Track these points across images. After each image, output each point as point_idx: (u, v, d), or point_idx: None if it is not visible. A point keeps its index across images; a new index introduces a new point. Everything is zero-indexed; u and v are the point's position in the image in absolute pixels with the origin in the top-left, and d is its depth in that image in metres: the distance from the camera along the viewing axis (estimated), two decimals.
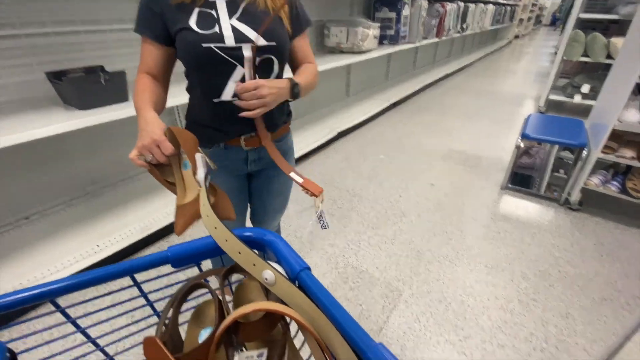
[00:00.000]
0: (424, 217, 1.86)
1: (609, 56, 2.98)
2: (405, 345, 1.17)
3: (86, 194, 1.71)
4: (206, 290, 0.40)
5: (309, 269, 0.37)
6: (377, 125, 3.29)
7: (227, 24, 0.69)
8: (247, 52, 0.70)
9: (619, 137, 1.76)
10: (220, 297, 0.38)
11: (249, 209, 1.08)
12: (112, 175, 1.79)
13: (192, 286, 0.38)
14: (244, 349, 0.41)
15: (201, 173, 0.57)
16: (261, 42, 0.70)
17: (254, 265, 0.37)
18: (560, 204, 1.95)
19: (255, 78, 0.73)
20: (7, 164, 1.42)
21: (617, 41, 2.84)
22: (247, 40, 0.70)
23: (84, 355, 0.40)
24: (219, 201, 0.58)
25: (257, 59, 0.72)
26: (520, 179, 2.20)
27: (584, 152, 1.76)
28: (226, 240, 0.38)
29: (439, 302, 1.33)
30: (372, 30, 2.71)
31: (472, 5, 4.82)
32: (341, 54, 2.75)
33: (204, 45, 0.68)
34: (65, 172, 1.60)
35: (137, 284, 0.39)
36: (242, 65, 0.71)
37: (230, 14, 0.70)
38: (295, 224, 1.79)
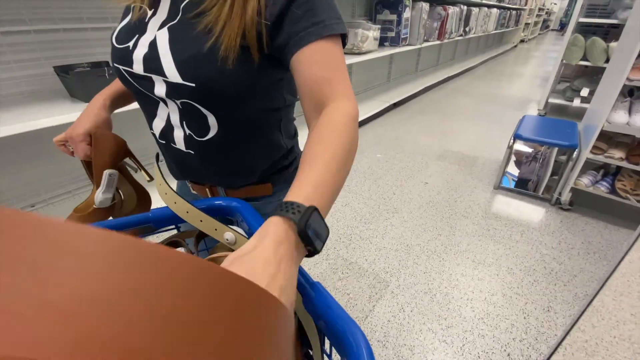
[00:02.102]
0: (415, 213, 1.90)
1: (608, 60, 3.00)
2: (389, 333, 1.22)
3: (91, 184, 1.78)
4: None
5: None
6: (377, 125, 3.33)
7: (148, 38, 0.45)
8: (159, 87, 0.46)
9: (609, 139, 1.79)
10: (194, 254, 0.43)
11: None
12: None
13: (171, 242, 0.43)
14: None
15: (99, 195, 0.53)
16: (175, 79, 0.44)
17: (216, 229, 0.42)
18: (552, 204, 1.97)
19: (182, 123, 0.51)
20: (16, 153, 1.50)
21: (615, 45, 2.85)
22: (158, 72, 0.44)
23: None
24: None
25: (177, 102, 0.47)
26: (520, 182, 2.23)
27: (575, 153, 1.79)
28: (187, 212, 0.43)
29: (424, 293, 1.37)
30: (372, 32, 2.76)
31: (475, 9, 4.85)
32: None
33: (115, 64, 0.49)
34: (72, 162, 1.68)
35: None
36: (165, 104, 0.50)
37: (167, 20, 0.46)
38: None
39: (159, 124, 0.53)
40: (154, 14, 0.47)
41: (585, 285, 1.42)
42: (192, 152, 0.53)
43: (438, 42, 3.94)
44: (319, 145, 0.38)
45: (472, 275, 1.47)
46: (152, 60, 0.44)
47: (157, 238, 0.47)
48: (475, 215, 1.89)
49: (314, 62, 0.41)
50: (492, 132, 3.22)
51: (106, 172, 0.52)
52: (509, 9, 7.47)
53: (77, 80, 1.36)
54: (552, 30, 16.97)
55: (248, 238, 0.42)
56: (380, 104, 3.53)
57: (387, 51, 3.11)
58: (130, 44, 0.46)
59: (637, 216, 1.78)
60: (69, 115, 1.23)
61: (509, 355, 1.14)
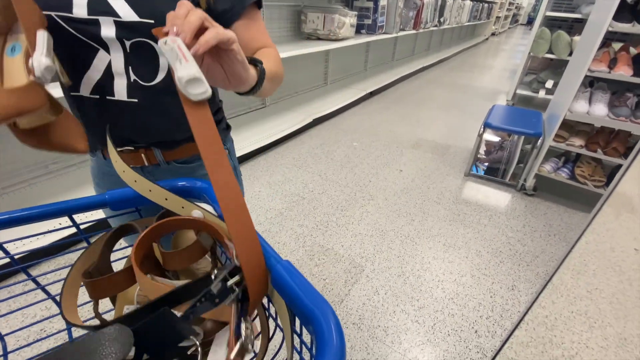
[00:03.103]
0: (390, 200, 1.93)
1: (571, 53, 3.15)
2: (364, 315, 1.24)
3: (48, 172, 1.66)
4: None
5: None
6: (353, 114, 3.34)
7: None
8: (108, 29, 0.45)
9: (571, 127, 1.89)
10: (154, 243, 0.41)
11: None
12: (76, 154, 1.75)
13: (125, 226, 0.41)
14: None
15: (42, 58, 0.38)
16: (129, 17, 0.45)
17: (182, 207, 0.40)
18: (517, 190, 2.07)
19: (127, 70, 0.49)
20: None
21: (578, 39, 3.00)
22: (109, 13, 0.45)
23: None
24: (62, 122, 0.46)
25: (127, 43, 0.47)
26: (489, 170, 2.32)
27: (539, 141, 1.88)
28: (150, 191, 0.40)
29: (397, 276, 1.41)
30: (349, 19, 2.73)
31: (449, 0, 4.92)
32: (318, 41, 2.76)
33: (46, 13, 0.44)
34: (26, 149, 1.55)
35: (75, 224, 0.42)
36: (106, 51, 0.48)
37: None
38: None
39: (93, 76, 0.49)
40: None
41: (546, 265, 1.51)
42: (136, 101, 0.52)
43: (414, 31, 3.97)
44: (270, 56, 0.53)
45: (443, 258, 1.52)
46: (98, 1, 0.44)
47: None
48: (446, 201, 1.95)
49: (255, 30, 0.57)
50: (464, 121, 3.31)
51: (42, 33, 0.39)
52: (481, 1, 7.64)
53: None
54: (520, 24, 17.59)
55: (218, 216, 0.40)
56: (357, 93, 3.53)
57: (364, 39, 3.09)
58: None
59: (595, 200, 1.90)
60: None
61: (476, 332, 1.20)
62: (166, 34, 0.32)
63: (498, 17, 11.03)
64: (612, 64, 1.68)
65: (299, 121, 2.67)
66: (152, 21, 0.45)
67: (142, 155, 0.58)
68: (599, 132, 1.85)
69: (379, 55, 4.73)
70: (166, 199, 0.40)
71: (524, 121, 2.08)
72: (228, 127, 0.70)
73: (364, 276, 1.40)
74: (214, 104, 0.64)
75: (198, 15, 0.32)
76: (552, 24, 3.42)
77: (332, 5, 2.84)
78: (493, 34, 11.27)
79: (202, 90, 0.32)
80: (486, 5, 8.47)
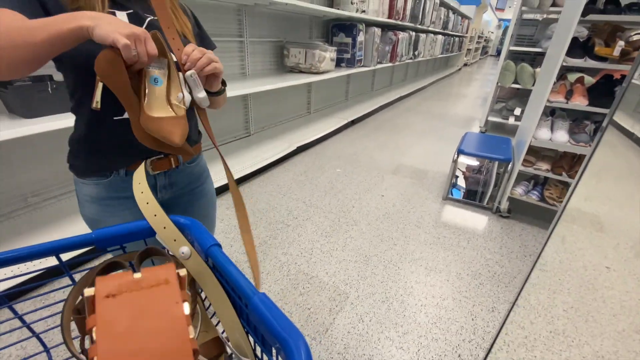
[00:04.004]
0: (373, 225, 1.98)
1: (535, 83, 3.41)
2: (349, 344, 1.24)
3: (27, 205, 1.63)
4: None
5: (219, 245, 0.44)
6: (335, 142, 3.44)
7: None
8: (201, 92, 0.66)
9: (537, 152, 2.02)
10: None
11: None
12: (56, 187, 1.73)
13: (110, 264, 0.43)
14: None
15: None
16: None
17: (175, 240, 0.43)
18: (493, 212, 2.17)
19: None
20: None
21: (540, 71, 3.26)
22: None
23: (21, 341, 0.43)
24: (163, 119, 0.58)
25: None
26: (469, 192, 2.42)
27: (510, 165, 2.00)
28: (155, 215, 0.44)
29: (382, 302, 1.42)
30: (329, 53, 2.89)
31: (422, 35, 5.28)
32: (300, 74, 2.90)
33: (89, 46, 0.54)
34: (5, 182, 1.53)
35: (62, 264, 0.44)
36: None
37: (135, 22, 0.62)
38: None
39: None
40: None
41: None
42: None
43: (390, 64, 4.21)
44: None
45: (425, 281, 1.55)
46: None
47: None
48: (426, 225, 2.01)
49: None
50: (440, 147, 3.47)
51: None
52: (452, 35, 8.21)
53: (16, 95, 1.27)
54: (490, 55, 18.88)
55: (201, 257, 0.43)
56: (339, 121, 3.66)
57: (344, 71, 3.26)
58: None
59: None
60: (6, 132, 1.14)
61: (459, 356, 1.21)
62: (188, 69, 0.61)
63: (469, 49, 11.84)
64: (569, 95, 1.85)
65: (283, 149, 2.74)
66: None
67: (171, 159, 0.74)
68: (563, 156, 1.99)
69: (359, 85, 4.96)
70: (165, 228, 0.43)
71: (494, 147, 2.21)
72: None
73: (348, 303, 1.41)
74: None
75: (203, 54, 0.61)
76: (516, 57, 3.72)
77: (313, 41, 3.01)
78: (465, 65, 12.03)
79: (207, 102, 0.67)
80: (457, 39, 9.11)
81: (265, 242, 1.78)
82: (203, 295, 0.48)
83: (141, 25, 0.62)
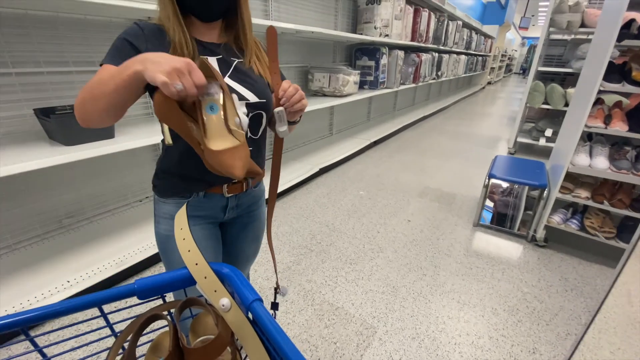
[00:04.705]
0: (400, 252, 1.91)
1: (567, 104, 3.29)
2: None
3: (61, 227, 1.69)
4: (166, 323, 0.44)
5: (260, 300, 0.42)
6: (358, 163, 3.42)
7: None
8: (242, 108, 0.73)
9: (575, 179, 1.91)
10: (176, 327, 0.42)
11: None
12: (90, 209, 1.79)
13: (151, 317, 0.41)
14: None
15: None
16: (254, 99, 0.74)
17: (215, 291, 0.42)
18: (528, 241, 2.04)
19: (247, 131, 0.75)
20: None
21: (573, 91, 3.15)
22: (242, 98, 0.73)
23: None
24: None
25: (250, 114, 0.74)
26: (497, 218, 2.31)
27: (545, 192, 1.90)
28: (196, 264, 0.43)
29: (412, 339, 1.34)
30: (352, 77, 2.92)
31: (445, 56, 5.27)
32: (324, 97, 2.93)
33: None
34: (42, 204, 1.60)
35: (104, 315, 0.43)
36: None
37: (223, 72, 0.72)
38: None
39: None
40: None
41: (566, 324, 1.44)
42: (251, 149, 0.76)
43: (413, 85, 4.20)
44: None
45: (458, 317, 1.46)
46: (235, 92, 0.71)
47: (145, 307, 0.45)
48: (457, 253, 1.92)
49: None
50: (467, 169, 3.37)
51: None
52: (475, 55, 8.16)
53: (58, 124, 1.34)
54: (514, 73, 18.56)
55: (242, 309, 0.41)
56: (361, 142, 3.65)
57: (367, 94, 3.28)
58: None
59: (607, 251, 1.87)
60: (47, 159, 1.20)
61: None
62: (283, 104, 0.68)
63: (492, 68, 11.69)
64: (607, 120, 1.75)
65: (305, 171, 2.74)
66: (265, 100, 0.76)
67: (243, 183, 0.82)
68: (603, 183, 1.87)
69: (381, 106, 4.96)
70: (205, 277, 0.42)
71: (527, 172, 2.12)
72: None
73: (376, 339, 1.34)
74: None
75: (297, 90, 0.69)
76: (545, 77, 3.62)
77: (337, 66, 3.06)
78: (489, 83, 11.86)
79: (287, 134, 0.73)
80: (480, 58, 9.03)
81: (289, 267, 1.75)
82: (243, 353, 0.46)
83: (230, 66, 0.73)
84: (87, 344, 0.46)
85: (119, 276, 1.51)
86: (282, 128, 0.70)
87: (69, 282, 1.38)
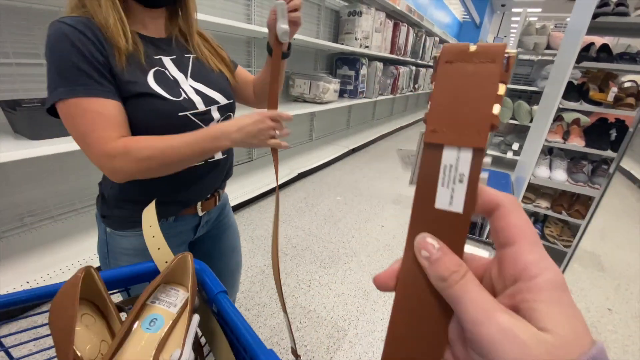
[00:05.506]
0: (373, 257, 1.95)
1: (532, 120, 3.50)
2: None
3: (22, 225, 1.60)
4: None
5: (225, 292, 0.43)
6: (336, 169, 3.47)
7: (188, 87, 0.63)
8: (215, 114, 0.67)
9: (536, 190, 2.04)
10: None
11: None
12: (54, 207, 1.71)
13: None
14: None
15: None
16: (224, 101, 0.68)
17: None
18: (493, 248, 2.14)
19: None
20: None
21: (537, 108, 3.36)
22: (214, 102, 0.66)
23: None
24: None
25: (221, 118, 0.69)
26: (471, 227, 2.40)
27: None
28: (166, 262, 0.43)
29: (381, 341, 1.37)
30: (333, 85, 2.98)
31: (423, 69, 5.48)
32: (304, 103, 2.97)
33: (180, 114, 0.60)
34: (1, 201, 1.52)
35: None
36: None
37: (182, 73, 0.64)
38: (247, 264, 1.80)
39: None
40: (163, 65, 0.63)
41: None
42: (225, 156, 0.73)
43: (391, 96, 4.33)
44: None
45: None
46: (207, 97, 0.65)
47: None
48: None
49: (243, 70, 0.86)
50: None
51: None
52: None
53: (23, 117, 1.28)
54: None
55: (206, 303, 0.42)
56: (340, 149, 3.70)
57: (346, 102, 3.35)
58: (184, 94, 0.62)
59: (564, 258, 1.99)
60: (11, 153, 1.14)
61: None
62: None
63: None
64: (566, 135, 1.89)
65: (284, 175, 2.75)
66: (232, 100, 0.72)
67: (216, 197, 0.76)
68: (562, 194, 2.01)
69: (360, 115, 5.07)
70: (166, 262, 0.43)
71: (494, 183, 2.23)
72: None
73: (346, 341, 1.36)
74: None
75: None
76: (513, 94, 3.84)
77: (318, 73, 3.11)
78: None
79: (286, 37, 0.66)
80: None
81: (262, 271, 1.75)
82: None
83: (188, 66, 0.66)
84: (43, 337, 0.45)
85: None
86: (284, 25, 0.64)
87: (28, 282, 1.31)
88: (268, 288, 1.62)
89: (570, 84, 1.85)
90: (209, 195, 0.74)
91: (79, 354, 0.32)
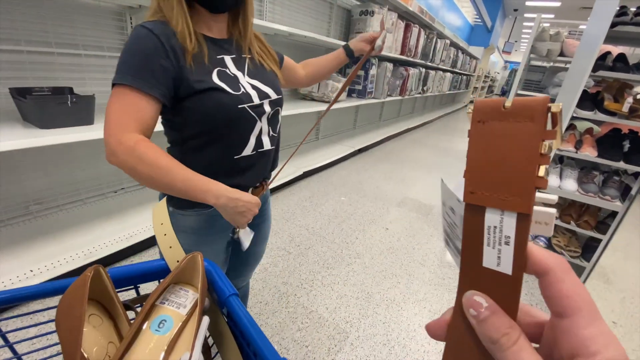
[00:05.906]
0: (376, 259, 1.93)
1: None
2: None
3: (27, 213, 1.61)
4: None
5: (237, 295, 0.42)
6: (342, 169, 3.45)
7: (245, 82, 0.71)
8: (267, 107, 0.73)
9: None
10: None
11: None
12: (61, 196, 1.71)
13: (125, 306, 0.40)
14: None
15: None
16: (274, 96, 0.75)
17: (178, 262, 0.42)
18: None
19: (269, 129, 0.77)
20: None
21: None
22: (267, 96, 0.73)
23: None
24: None
25: (271, 112, 0.75)
26: None
27: None
28: (177, 262, 0.42)
29: (383, 345, 1.36)
30: (341, 84, 2.96)
31: (432, 72, 5.43)
32: (312, 101, 2.95)
33: (240, 106, 0.68)
34: (8, 189, 1.52)
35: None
36: (261, 120, 0.73)
37: (240, 71, 0.72)
38: None
39: (252, 140, 0.73)
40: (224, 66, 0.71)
41: None
42: (273, 147, 0.80)
43: (400, 97, 4.30)
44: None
45: None
46: (261, 91, 0.73)
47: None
48: (431, 263, 1.97)
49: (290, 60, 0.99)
50: (446, 182, 3.46)
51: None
52: (460, 74, 8.45)
53: (33, 105, 1.28)
54: (495, 94, 19.35)
55: (217, 306, 0.41)
56: (346, 149, 3.68)
57: (354, 102, 3.33)
58: (243, 89, 0.69)
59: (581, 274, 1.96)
60: (20, 141, 1.14)
61: None
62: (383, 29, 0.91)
63: (475, 87, 12.15)
64: (578, 145, 1.86)
65: (289, 173, 2.74)
66: (281, 96, 0.79)
67: (264, 185, 0.82)
68: (571, 204, 1.98)
69: (368, 115, 5.04)
70: (177, 261, 0.42)
71: None
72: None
73: (348, 344, 1.35)
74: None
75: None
76: None
77: None
78: (471, 102, 12.31)
79: (381, 50, 0.93)
80: (465, 77, 9.36)
81: (265, 269, 1.74)
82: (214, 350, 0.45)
83: (244, 64, 0.74)
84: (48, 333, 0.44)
85: (86, 268, 1.45)
86: (379, 43, 0.92)
87: (31, 271, 1.31)
88: (270, 286, 1.61)
89: (584, 92, 1.82)
90: (257, 184, 0.81)
91: (86, 355, 0.31)
